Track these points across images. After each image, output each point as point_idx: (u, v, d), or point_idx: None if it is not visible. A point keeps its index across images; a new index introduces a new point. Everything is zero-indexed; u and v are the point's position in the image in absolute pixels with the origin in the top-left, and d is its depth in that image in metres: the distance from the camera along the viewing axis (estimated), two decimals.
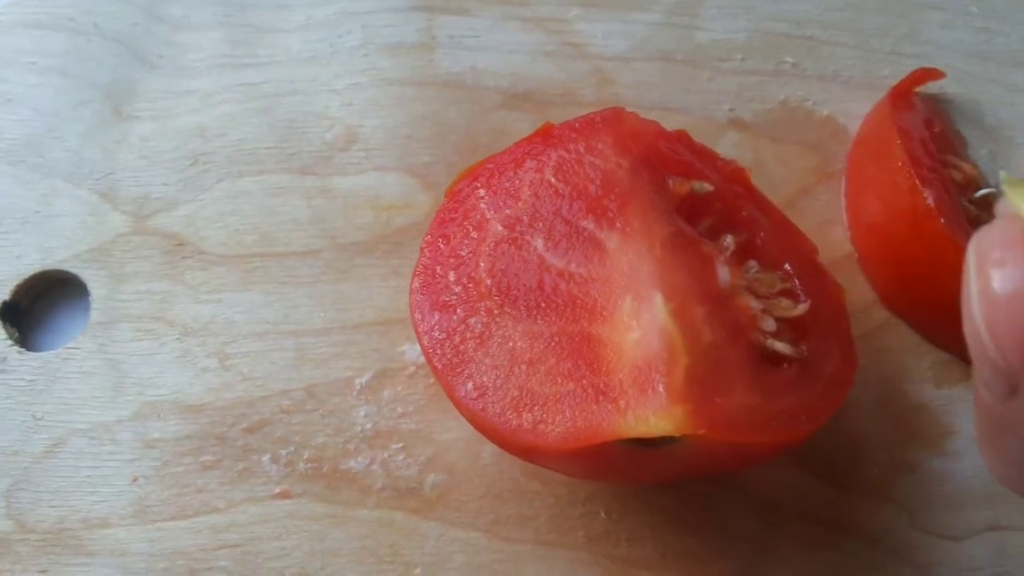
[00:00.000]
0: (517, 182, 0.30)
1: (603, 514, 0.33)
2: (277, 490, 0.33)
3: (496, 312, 0.28)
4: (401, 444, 0.34)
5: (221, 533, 0.33)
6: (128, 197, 0.37)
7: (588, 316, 0.28)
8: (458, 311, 0.28)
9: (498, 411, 0.27)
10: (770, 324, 0.29)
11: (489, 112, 0.38)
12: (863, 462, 0.34)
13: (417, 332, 0.29)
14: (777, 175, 0.38)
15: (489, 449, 0.33)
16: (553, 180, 0.30)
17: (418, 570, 0.32)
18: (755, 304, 0.29)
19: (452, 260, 0.29)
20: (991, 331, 0.14)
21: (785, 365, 0.29)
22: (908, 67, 0.38)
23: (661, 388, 0.25)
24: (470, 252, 0.29)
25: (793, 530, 0.33)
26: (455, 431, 0.34)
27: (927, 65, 0.39)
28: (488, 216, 0.30)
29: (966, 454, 0.34)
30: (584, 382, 0.27)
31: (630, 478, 0.31)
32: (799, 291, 0.31)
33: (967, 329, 0.15)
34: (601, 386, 0.26)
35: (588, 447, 0.26)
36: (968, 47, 0.40)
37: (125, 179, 0.37)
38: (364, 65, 0.39)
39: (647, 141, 0.31)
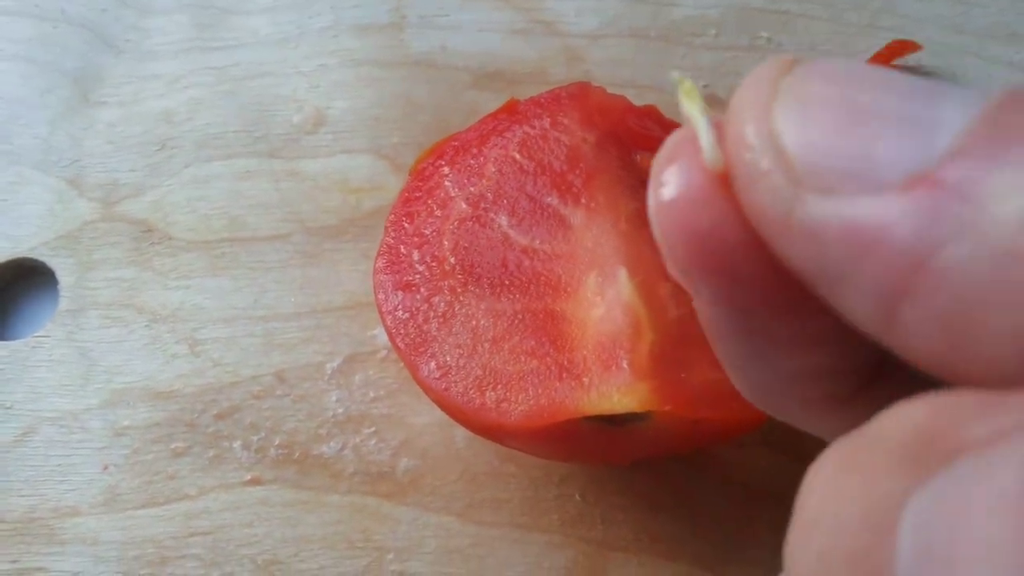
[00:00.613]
0: (481, 159, 0.30)
1: (578, 496, 0.33)
2: (248, 476, 0.33)
3: (460, 291, 0.28)
4: (373, 428, 0.33)
5: (192, 520, 0.32)
6: (96, 183, 0.37)
7: (552, 293, 0.27)
8: (422, 290, 0.28)
9: (461, 390, 0.26)
10: None
11: (459, 92, 0.38)
12: None
13: (380, 312, 0.28)
14: None
15: (462, 433, 0.33)
16: (518, 156, 0.30)
17: (391, 555, 0.32)
18: None
19: (416, 239, 0.29)
20: (665, 239, 0.15)
21: None
22: (884, 40, 0.38)
23: (625, 364, 0.25)
24: (434, 231, 0.29)
25: (767, 511, 0.33)
26: (428, 415, 0.33)
27: (905, 38, 0.38)
28: (452, 194, 0.29)
29: None
30: (548, 359, 0.26)
31: (597, 457, 0.30)
32: None
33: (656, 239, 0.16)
34: (565, 363, 0.26)
35: (552, 425, 0.25)
36: (946, 19, 0.40)
37: (93, 165, 0.37)
38: (333, 46, 0.38)
39: (614, 116, 0.31)
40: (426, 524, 0.32)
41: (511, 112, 0.31)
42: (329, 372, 0.34)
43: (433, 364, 0.27)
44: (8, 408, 0.34)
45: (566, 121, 0.30)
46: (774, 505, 0.32)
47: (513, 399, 0.26)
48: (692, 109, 0.15)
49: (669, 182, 0.15)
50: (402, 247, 0.29)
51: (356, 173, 0.37)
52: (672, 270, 0.16)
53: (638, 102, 0.32)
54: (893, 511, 0.11)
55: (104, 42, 0.39)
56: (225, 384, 0.34)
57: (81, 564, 0.32)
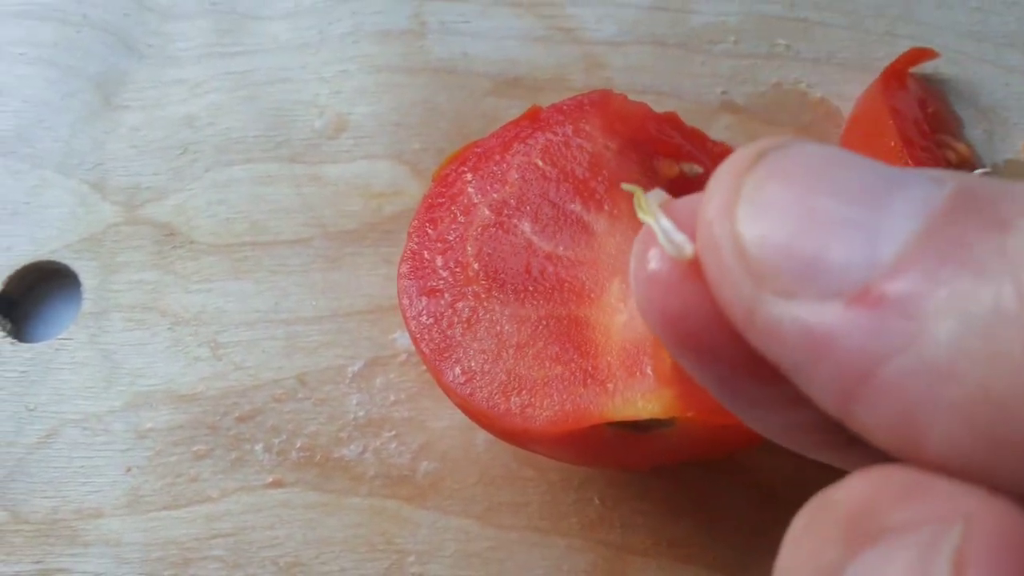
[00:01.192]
0: (504, 166, 0.30)
1: (597, 500, 0.33)
2: (270, 479, 0.33)
3: (484, 296, 0.28)
4: (393, 432, 0.34)
5: (214, 522, 0.33)
6: (118, 187, 0.37)
7: (576, 299, 0.28)
8: (446, 296, 0.28)
9: (486, 396, 0.27)
10: None
11: (480, 98, 0.38)
12: None
13: (405, 317, 0.28)
14: None
15: (482, 436, 0.33)
16: (540, 163, 0.30)
17: (411, 558, 0.32)
18: None
19: (439, 245, 0.29)
20: (643, 316, 0.17)
21: None
22: (903, 48, 0.38)
23: (649, 370, 0.25)
24: (457, 237, 0.29)
25: (789, 516, 0.32)
26: (448, 418, 0.34)
27: (922, 45, 0.38)
28: (475, 200, 0.30)
29: None
30: (572, 365, 0.26)
31: (620, 463, 0.31)
32: None
33: None
34: (589, 369, 0.26)
35: (577, 431, 0.26)
36: (963, 27, 0.40)
37: (115, 169, 0.37)
38: (353, 52, 0.39)
39: (636, 123, 0.31)
40: (446, 527, 0.32)
41: (533, 119, 0.31)
42: (350, 376, 0.34)
43: (458, 369, 0.27)
44: (32, 410, 0.34)
45: (588, 128, 0.30)
46: (796, 509, 0.32)
47: (538, 404, 0.26)
48: (647, 218, 0.16)
49: (641, 268, 0.16)
50: (426, 253, 0.29)
51: (377, 178, 0.37)
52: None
53: (658, 108, 0.33)
54: None
55: (126, 47, 0.39)
56: (247, 387, 0.34)
57: (104, 565, 0.32)
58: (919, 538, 0.12)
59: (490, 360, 0.27)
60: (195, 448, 0.33)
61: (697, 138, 0.32)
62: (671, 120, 0.32)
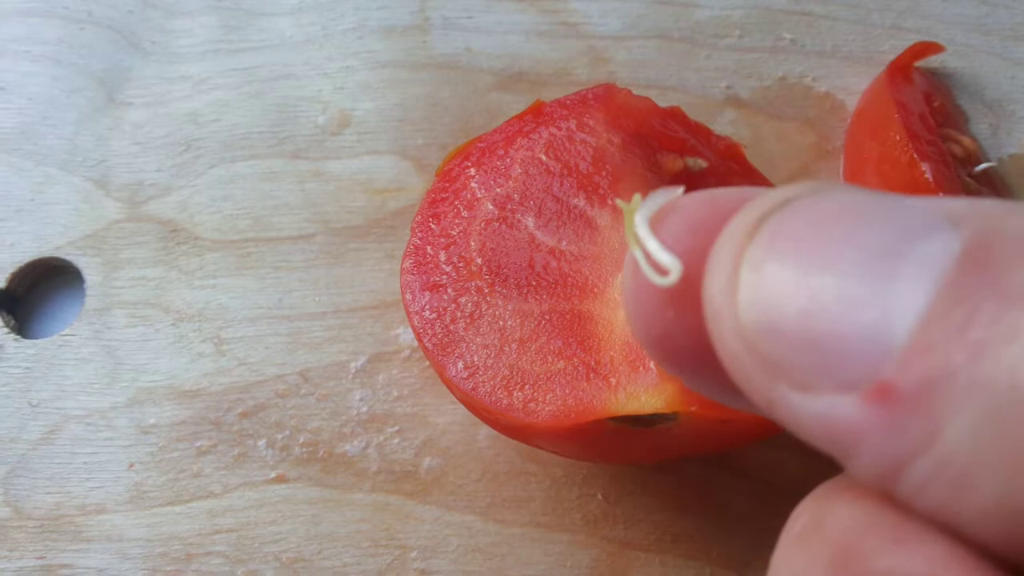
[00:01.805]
0: (508, 160, 0.30)
1: (600, 496, 0.33)
2: (273, 474, 0.33)
3: (487, 291, 0.28)
4: (396, 427, 0.33)
5: (217, 518, 0.33)
6: (122, 184, 0.37)
7: (579, 294, 0.27)
8: (449, 291, 0.28)
9: (489, 390, 0.26)
10: None
11: (483, 93, 0.38)
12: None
13: (408, 312, 0.28)
14: (775, 152, 0.37)
15: (485, 432, 0.33)
16: (544, 158, 0.30)
17: (414, 553, 0.32)
18: None
19: (443, 240, 0.29)
20: (633, 335, 0.17)
21: None
22: (909, 42, 0.38)
23: (652, 365, 0.25)
24: (461, 232, 0.29)
25: (791, 512, 0.32)
26: (451, 414, 0.34)
27: (928, 39, 0.38)
28: (479, 195, 0.30)
29: None
30: (575, 360, 0.26)
31: (623, 457, 0.31)
32: None
33: None
34: (592, 364, 0.26)
35: (580, 425, 0.26)
36: (970, 21, 0.39)
37: (119, 166, 0.37)
38: (357, 48, 0.39)
39: (639, 118, 0.31)
40: (449, 523, 0.32)
41: (537, 114, 0.31)
42: (353, 371, 0.34)
43: (460, 364, 0.27)
44: (35, 406, 0.34)
45: (592, 123, 0.30)
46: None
47: (541, 399, 0.26)
48: (631, 241, 0.16)
49: (626, 288, 0.16)
50: (429, 248, 0.29)
51: (380, 174, 0.37)
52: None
53: (662, 103, 0.32)
54: None
55: (131, 43, 0.39)
56: (250, 383, 0.34)
57: (107, 561, 0.32)
58: None
59: (493, 355, 0.27)
60: (198, 444, 0.33)
61: (701, 133, 0.32)
62: (675, 115, 0.32)
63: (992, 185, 0.35)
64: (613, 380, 0.26)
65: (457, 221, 0.29)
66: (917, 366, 0.12)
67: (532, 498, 0.33)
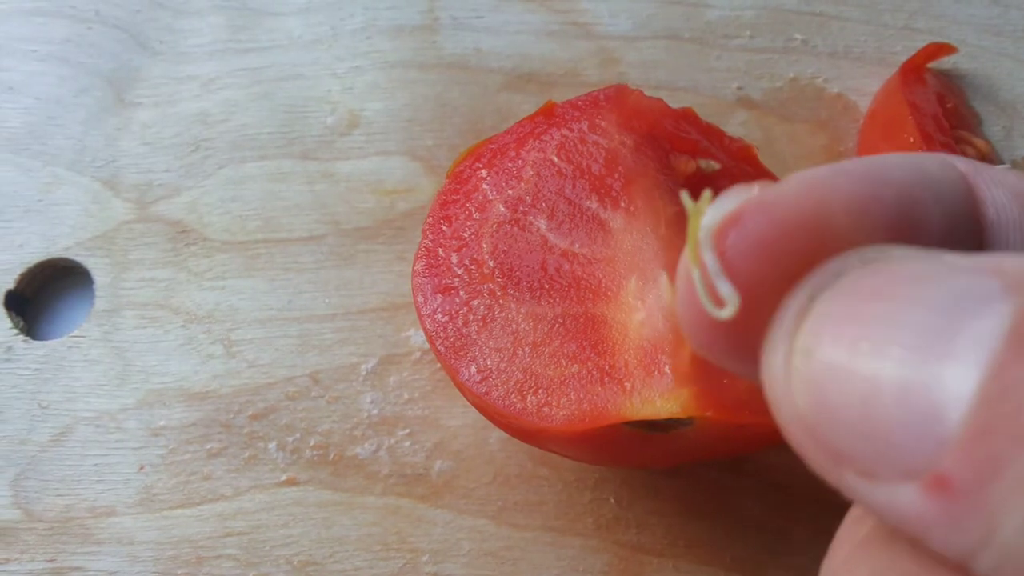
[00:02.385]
0: (519, 162, 0.30)
1: (612, 500, 0.33)
2: (283, 477, 0.33)
3: (499, 294, 0.28)
4: (408, 430, 0.33)
5: (228, 521, 0.32)
6: (130, 184, 0.37)
7: (592, 297, 0.27)
8: (461, 293, 0.28)
9: (502, 394, 0.26)
10: None
11: (493, 94, 0.38)
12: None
13: (420, 315, 0.28)
14: (787, 154, 0.37)
15: (496, 435, 0.33)
16: (556, 160, 0.30)
17: (425, 557, 0.32)
18: None
19: (454, 242, 0.29)
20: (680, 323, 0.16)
21: None
22: (921, 42, 0.37)
23: (667, 369, 0.25)
24: (472, 234, 0.29)
25: (807, 516, 0.32)
26: (462, 417, 0.33)
27: (940, 40, 0.38)
28: (490, 197, 0.29)
29: None
30: (589, 364, 0.26)
31: (637, 462, 0.30)
32: None
33: None
34: (607, 368, 0.26)
35: (594, 430, 0.25)
36: (982, 21, 0.39)
37: (127, 166, 0.37)
38: (366, 48, 0.38)
39: (652, 119, 0.31)
40: (460, 526, 0.32)
41: (548, 115, 0.31)
42: (364, 373, 0.34)
43: (473, 368, 0.27)
44: (45, 408, 0.34)
45: (604, 124, 0.30)
46: (815, 510, 0.32)
47: (555, 404, 0.26)
48: (692, 268, 0.15)
49: (680, 299, 0.16)
50: (440, 250, 0.29)
51: (390, 175, 0.37)
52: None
53: (673, 104, 0.32)
54: None
55: (139, 43, 0.39)
56: (260, 385, 0.34)
57: (117, 564, 0.32)
58: None
59: (506, 358, 0.27)
60: (208, 446, 0.33)
61: (714, 134, 0.32)
62: (687, 116, 0.32)
63: None
64: (628, 384, 0.25)
65: (469, 223, 0.29)
66: (970, 458, 0.12)
67: (544, 502, 0.33)
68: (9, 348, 0.35)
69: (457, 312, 0.28)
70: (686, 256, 0.15)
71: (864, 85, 0.38)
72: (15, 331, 0.35)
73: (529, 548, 0.32)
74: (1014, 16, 0.39)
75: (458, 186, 0.30)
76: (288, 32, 0.39)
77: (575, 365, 0.26)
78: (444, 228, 0.29)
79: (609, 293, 0.27)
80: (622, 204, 0.28)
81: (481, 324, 0.28)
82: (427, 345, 0.34)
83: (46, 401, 0.34)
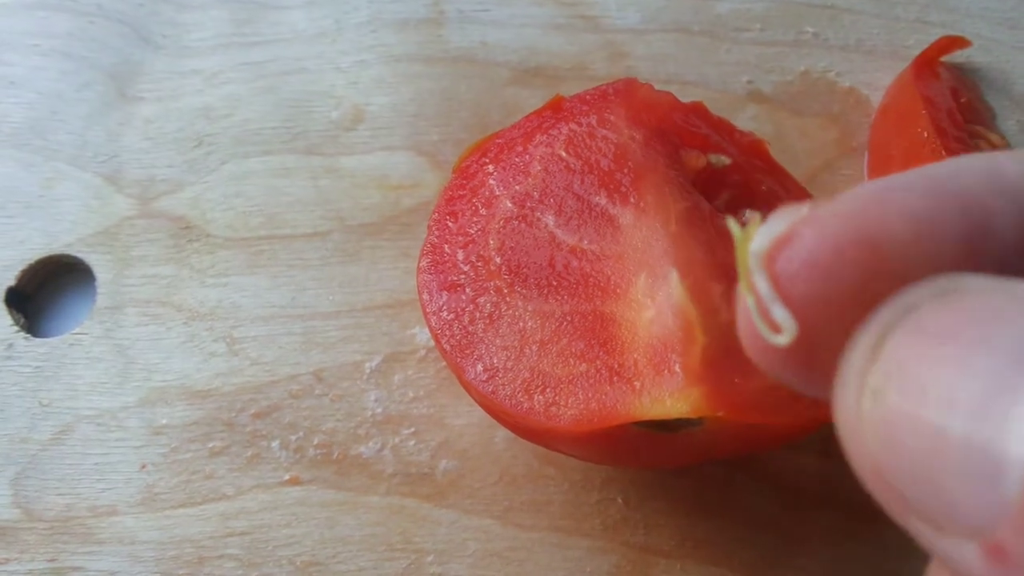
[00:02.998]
0: (527, 157, 0.29)
1: (620, 500, 0.32)
2: (286, 476, 0.32)
3: (506, 291, 0.27)
4: (412, 429, 0.33)
5: (230, 520, 0.32)
6: (133, 180, 0.36)
7: (601, 294, 0.27)
8: (467, 291, 0.28)
9: (509, 393, 0.26)
10: None
11: (500, 88, 0.37)
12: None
13: (425, 313, 0.28)
14: (798, 149, 0.36)
15: (502, 434, 0.33)
16: (564, 154, 0.29)
17: (430, 557, 0.31)
18: None
19: (460, 238, 0.29)
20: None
21: None
22: (934, 35, 0.37)
23: (678, 368, 0.24)
24: (479, 230, 0.28)
25: (819, 518, 0.32)
26: (467, 416, 0.33)
27: (954, 33, 0.37)
28: (497, 192, 0.29)
29: None
30: (598, 363, 0.26)
31: (646, 462, 0.30)
32: None
33: None
34: (615, 367, 0.25)
35: (602, 430, 0.25)
36: (997, 14, 0.39)
37: (130, 161, 0.37)
38: (371, 41, 0.38)
39: (661, 113, 0.30)
40: (465, 527, 0.32)
41: (556, 109, 0.30)
42: (368, 371, 0.34)
43: (480, 366, 0.26)
44: (45, 406, 0.33)
45: (613, 118, 0.30)
46: (827, 511, 0.32)
47: (562, 403, 0.25)
48: (746, 295, 0.15)
49: (743, 341, 0.15)
50: (446, 246, 0.28)
51: (395, 170, 0.36)
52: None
53: (682, 98, 0.32)
54: None
55: (141, 37, 0.38)
56: (263, 383, 0.33)
57: (118, 564, 0.31)
58: None
59: (513, 357, 0.26)
60: (211, 445, 0.33)
61: (724, 128, 0.32)
62: (697, 110, 0.31)
63: None
64: (637, 384, 0.25)
65: (475, 219, 0.29)
66: (1021, 535, 0.11)
67: (551, 502, 0.32)
68: (10, 345, 0.34)
69: (463, 310, 0.27)
70: (741, 284, 0.15)
71: (876, 79, 0.37)
72: (16, 328, 0.34)
73: (535, 549, 0.31)
74: None
75: (464, 181, 0.30)
76: (292, 26, 0.38)
77: (583, 364, 0.26)
78: (450, 224, 0.29)
79: (618, 290, 0.27)
80: (631, 200, 0.28)
81: (487, 322, 0.27)
82: (432, 343, 0.33)
83: (47, 399, 0.33)
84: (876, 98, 0.37)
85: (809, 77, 0.38)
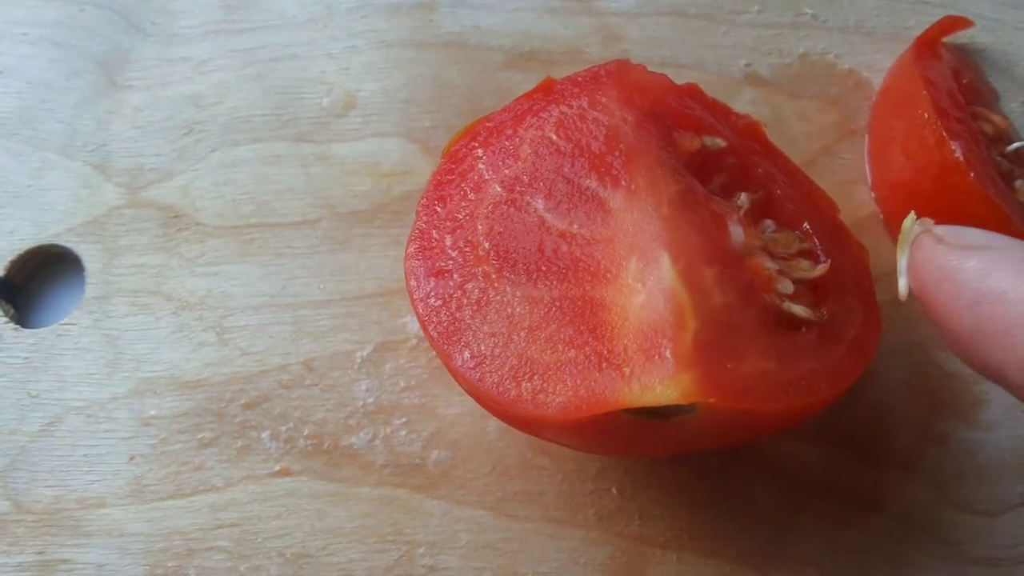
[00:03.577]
0: (517, 140, 0.29)
1: (615, 491, 0.31)
2: (277, 467, 0.32)
3: (494, 277, 0.27)
4: (404, 419, 0.32)
5: (220, 512, 0.32)
6: (122, 168, 0.36)
7: (591, 279, 0.26)
8: (455, 277, 0.27)
9: (496, 381, 0.25)
10: (787, 286, 0.27)
11: (492, 73, 0.37)
12: (889, 434, 0.32)
13: (412, 299, 0.27)
14: (797, 132, 0.36)
15: (495, 424, 0.32)
16: (554, 137, 0.28)
17: (422, 549, 0.31)
18: (771, 265, 0.27)
19: (449, 224, 0.28)
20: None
21: (803, 329, 0.27)
22: (935, 16, 0.36)
23: (668, 354, 0.24)
24: (467, 215, 0.28)
25: (815, 506, 0.31)
26: (459, 405, 0.32)
27: (956, 14, 0.36)
28: (486, 177, 0.28)
29: (999, 425, 0.32)
30: (587, 349, 0.25)
31: (637, 450, 0.29)
32: (819, 251, 0.29)
33: None
34: (605, 353, 0.25)
35: (592, 417, 0.24)
36: None
37: (118, 150, 0.36)
38: (362, 27, 0.37)
39: (655, 95, 0.30)
40: (458, 518, 0.31)
41: (547, 91, 0.30)
42: (359, 361, 0.33)
43: (467, 353, 0.26)
44: (34, 397, 0.33)
45: (604, 100, 0.29)
46: (823, 499, 0.31)
47: (550, 390, 0.25)
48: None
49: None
50: (434, 232, 0.28)
51: (387, 157, 0.36)
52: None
53: (678, 82, 0.31)
54: None
55: (131, 25, 0.38)
56: (253, 373, 0.33)
57: (107, 556, 0.31)
58: None
59: (501, 344, 0.26)
60: (200, 436, 0.32)
61: (720, 111, 0.31)
62: (692, 92, 0.31)
63: None
64: (627, 370, 0.24)
65: (464, 204, 0.28)
66: None
67: (544, 493, 0.32)
68: None
69: (451, 296, 0.27)
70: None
71: (877, 61, 0.37)
72: (5, 319, 0.34)
73: (529, 540, 0.31)
74: None
75: (453, 166, 0.29)
76: (282, 12, 0.38)
77: (572, 350, 0.25)
78: (438, 209, 0.28)
79: (608, 275, 0.26)
80: (623, 182, 0.27)
81: (475, 308, 0.26)
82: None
83: (36, 390, 0.33)
84: (876, 80, 0.36)
85: (808, 59, 0.37)
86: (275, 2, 0.38)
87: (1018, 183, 0.33)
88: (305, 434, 0.32)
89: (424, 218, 0.28)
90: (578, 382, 0.25)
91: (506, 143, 0.29)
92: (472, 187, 0.28)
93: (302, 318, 0.34)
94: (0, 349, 0.34)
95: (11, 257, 0.35)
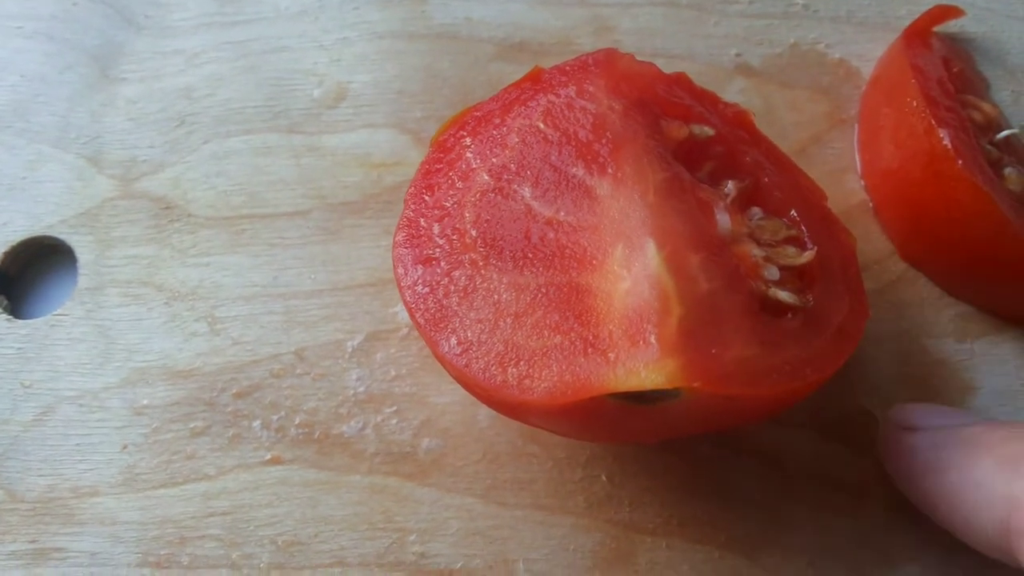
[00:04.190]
0: (504, 129, 0.29)
1: (604, 478, 0.32)
2: (268, 456, 0.32)
3: (481, 264, 0.27)
4: (394, 408, 0.33)
5: (211, 500, 0.32)
6: (115, 160, 0.36)
7: (577, 266, 0.26)
8: (442, 264, 0.27)
9: (482, 367, 0.25)
10: (773, 273, 0.27)
11: (484, 64, 0.37)
12: (879, 422, 0.32)
13: (400, 287, 0.27)
14: (787, 122, 0.36)
15: (485, 412, 0.32)
16: (542, 126, 0.29)
17: (413, 536, 0.31)
18: (757, 252, 0.27)
19: (436, 212, 0.28)
20: None
21: (789, 315, 0.27)
22: (926, 6, 0.36)
23: (653, 339, 0.24)
24: (455, 203, 0.28)
25: (805, 494, 0.31)
26: (450, 394, 0.33)
27: (946, 3, 0.36)
28: (474, 165, 0.28)
29: (989, 411, 0.32)
30: (572, 335, 0.25)
31: (623, 436, 0.29)
32: (806, 239, 0.29)
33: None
34: (590, 338, 0.25)
35: (577, 402, 0.24)
36: None
37: (111, 142, 0.36)
38: (353, 19, 0.38)
39: (643, 84, 0.30)
40: (448, 505, 0.31)
41: (535, 80, 0.30)
42: (350, 350, 0.33)
43: (454, 340, 0.26)
44: (27, 387, 0.33)
45: (592, 89, 0.29)
46: (812, 487, 0.31)
47: (536, 376, 0.25)
48: None
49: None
50: (422, 220, 0.28)
51: (378, 148, 0.36)
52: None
53: (668, 71, 0.31)
54: None
55: (124, 18, 0.38)
56: (245, 362, 0.33)
57: (100, 544, 0.31)
58: None
59: (487, 330, 0.26)
60: (192, 425, 0.33)
61: (708, 99, 0.31)
62: (680, 81, 0.31)
63: (1014, 153, 0.34)
64: (612, 355, 0.24)
65: (451, 192, 0.28)
66: None
67: (534, 480, 0.32)
68: None
69: (438, 283, 0.27)
70: None
71: (867, 50, 0.37)
72: None
73: (519, 527, 0.31)
74: None
75: (441, 155, 0.29)
76: (274, 4, 0.38)
77: (558, 336, 0.25)
78: (426, 198, 0.29)
79: (594, 262, 0.26)
80: (609, 170, 0.27)
81: (462, 295, 0.27)
82: None
83: (28, 380, 0.33)
84: (867, 70, 0.37)
85: (799, 49, 0.37)
86: None
87: (1007, 171, 0.33)
88: (296, 423, 0.32)
89: (412, 207, 0.29)
90: (563, 367, 0.25)
91: (494, 132, 0.29)
92: (460, 176, 0.29)
93: (293, 308, 0.34)
94: None
95: (5, 249, 0.35)
